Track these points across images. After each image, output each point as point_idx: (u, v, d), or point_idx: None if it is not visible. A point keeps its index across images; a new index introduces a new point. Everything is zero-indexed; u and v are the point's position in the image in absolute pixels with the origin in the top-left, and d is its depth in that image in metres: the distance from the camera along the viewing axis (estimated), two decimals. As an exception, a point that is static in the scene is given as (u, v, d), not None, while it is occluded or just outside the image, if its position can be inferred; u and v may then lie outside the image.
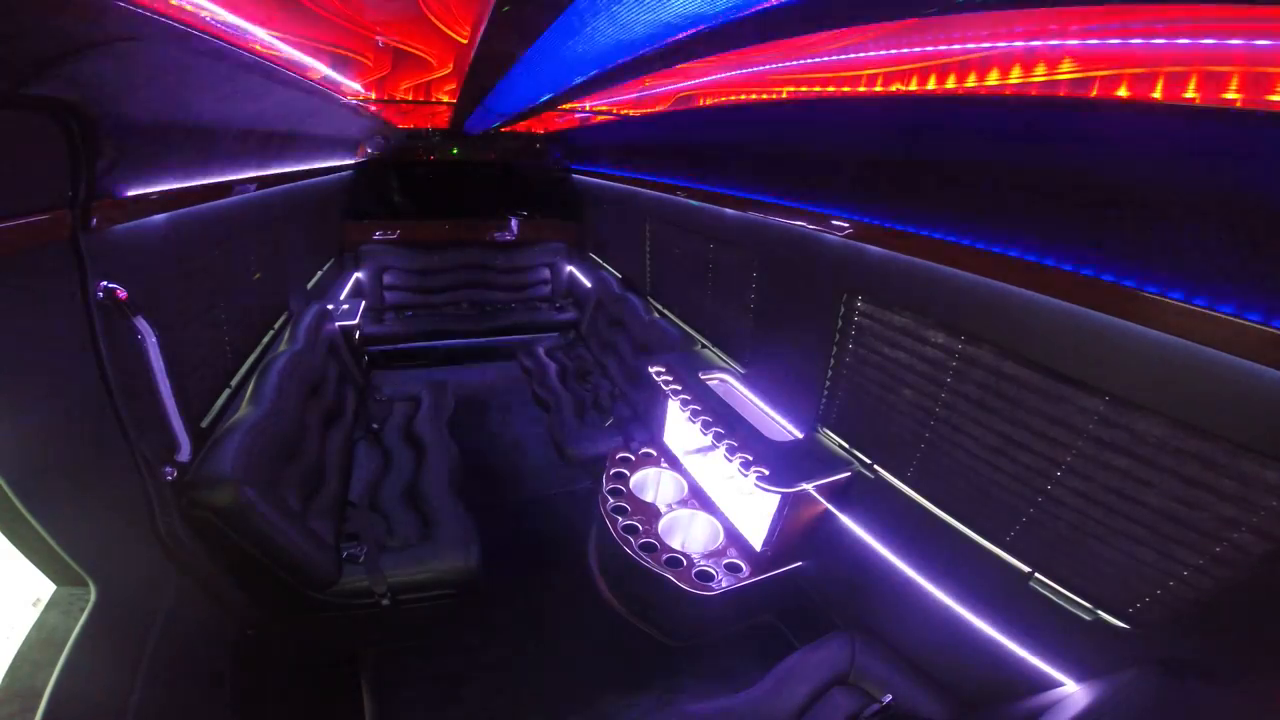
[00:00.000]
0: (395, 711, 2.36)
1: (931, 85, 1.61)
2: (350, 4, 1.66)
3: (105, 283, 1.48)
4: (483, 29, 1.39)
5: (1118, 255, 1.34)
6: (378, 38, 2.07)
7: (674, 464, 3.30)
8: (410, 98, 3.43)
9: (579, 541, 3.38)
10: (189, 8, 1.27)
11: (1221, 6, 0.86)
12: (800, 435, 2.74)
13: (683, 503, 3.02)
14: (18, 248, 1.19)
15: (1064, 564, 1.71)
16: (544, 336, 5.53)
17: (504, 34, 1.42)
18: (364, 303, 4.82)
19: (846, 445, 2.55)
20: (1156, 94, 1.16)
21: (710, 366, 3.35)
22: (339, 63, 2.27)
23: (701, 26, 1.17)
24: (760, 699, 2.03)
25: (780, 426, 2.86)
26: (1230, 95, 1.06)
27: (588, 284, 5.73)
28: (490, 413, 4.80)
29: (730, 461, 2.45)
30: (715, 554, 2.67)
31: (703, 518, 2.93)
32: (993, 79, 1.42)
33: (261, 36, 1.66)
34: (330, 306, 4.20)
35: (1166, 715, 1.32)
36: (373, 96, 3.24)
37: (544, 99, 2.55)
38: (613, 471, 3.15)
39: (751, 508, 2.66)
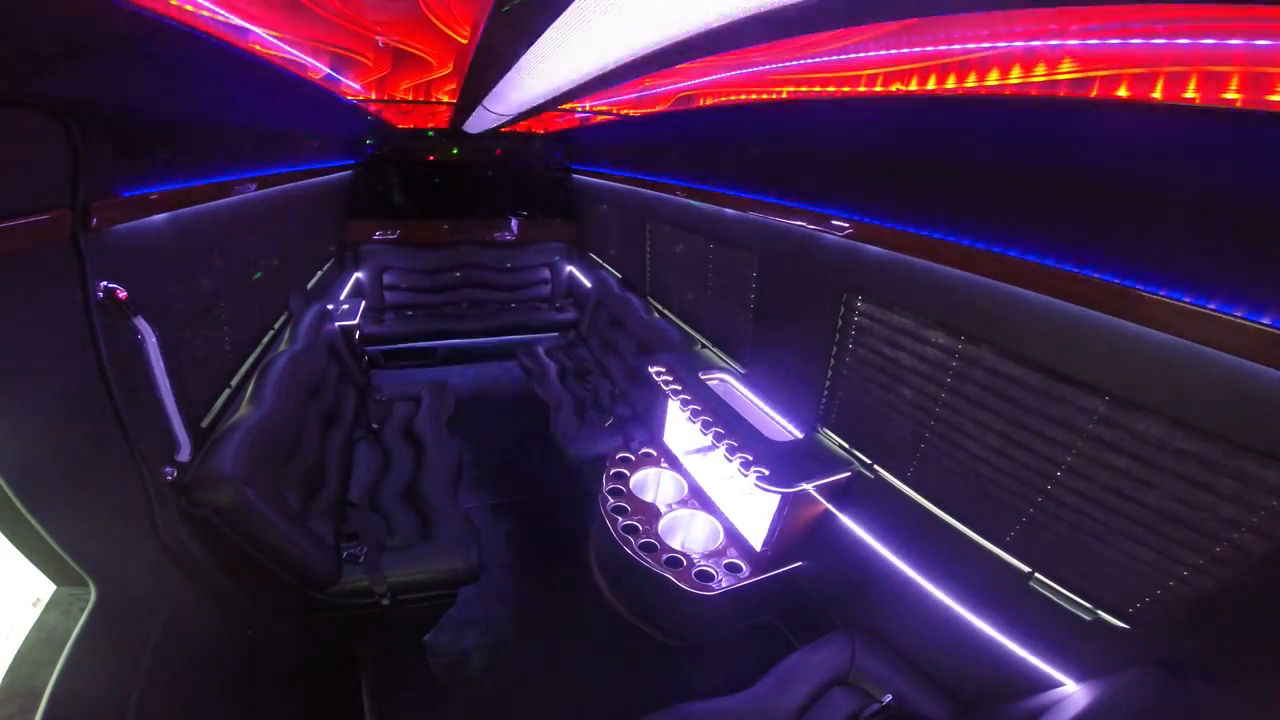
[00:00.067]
0: (395, 711, 2.35)
1: (931, 85, 1.60)
2: (350, 4, 1.65)
3: (105, 283, 1.48)
4: (482, 29, 1.39)
5: (1117, 255, 1.34)
6: (378, 38, 2.07)
7: (674, 464, 3.29)
8: (410, 98, 3.42)
9: (579, 541, 3.39)
10: (189, 8, 1.27)
11: (1221, 6, 0.86)
12: (800, 435, 2.74)
13: (683, 503, 3.02)
14: (18, 248, 1.19)
15: (1064, 564, 1.71)
16: (544, 336, 5.53)
17: (504, 34, 1.42)
18: (364, 303, 4.82)
19: (846, 445, 2.55)
20: (1156, 94, 1.16)
21: (710, 366, 3.35)
22: (339, 63, 2.27)
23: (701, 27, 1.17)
24: (760, 699, 2.03)
25: (780, 426, 2.86)
26: (1230, 95, 1.05)
27: (587, 284, 5.73)
28: (490, 413, 4.80)
29: (730, 461, 2.45)
30: (715, 554, 2.67)
31: (703, 518, 2.93)
32: (993, 79, 1.42)
33: (261, 36, 1.65)
34: (330, 306, 4.20)
35: (1167, 715, 1.32)
36: (373, 96, 3.24)
37: (544, 99, 2.54)
38: (613, 471, 3.15)
39: (751, 508, 2.65)
